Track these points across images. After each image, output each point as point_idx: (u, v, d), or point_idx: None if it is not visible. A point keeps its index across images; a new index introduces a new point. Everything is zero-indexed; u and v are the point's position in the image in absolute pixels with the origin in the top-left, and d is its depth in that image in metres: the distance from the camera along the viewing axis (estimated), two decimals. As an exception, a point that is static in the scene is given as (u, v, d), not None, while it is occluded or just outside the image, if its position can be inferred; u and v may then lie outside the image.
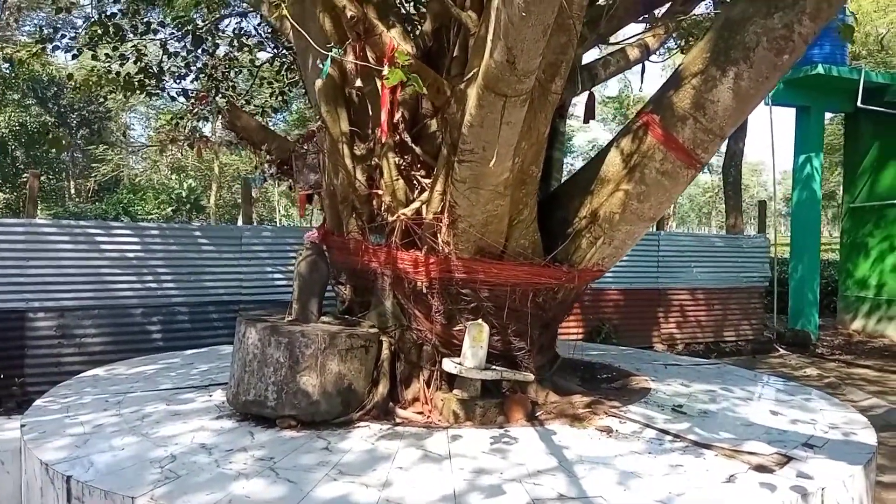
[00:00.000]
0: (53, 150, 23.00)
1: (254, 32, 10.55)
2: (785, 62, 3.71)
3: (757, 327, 11.30)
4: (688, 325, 10.66)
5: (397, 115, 4.32)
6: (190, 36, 9.28)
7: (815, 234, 12.10)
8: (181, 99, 10.45)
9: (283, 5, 4.57)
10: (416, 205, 4.31)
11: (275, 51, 10.50)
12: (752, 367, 8.42)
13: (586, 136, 43.49)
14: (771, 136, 11.58)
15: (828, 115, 15.27)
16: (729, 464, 3.41)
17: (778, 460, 3.47)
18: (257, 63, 10.46)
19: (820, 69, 10.91)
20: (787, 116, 12.69)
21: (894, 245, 12.27)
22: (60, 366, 6.86)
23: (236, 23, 10.76)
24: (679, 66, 4.10)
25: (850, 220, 13.29)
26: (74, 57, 9.06)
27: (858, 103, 11.32)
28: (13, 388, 6.72)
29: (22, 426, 3.93)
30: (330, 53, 3.32)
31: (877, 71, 13.17)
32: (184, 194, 28.46)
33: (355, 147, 4.62)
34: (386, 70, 3.77)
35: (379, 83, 4.22)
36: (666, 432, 3.89)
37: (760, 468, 3.36)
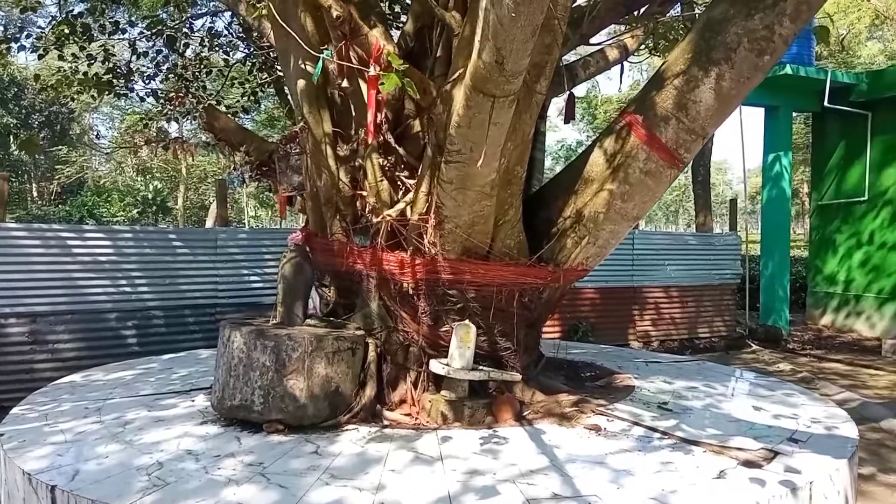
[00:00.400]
0: (17, 152, 22.47)
1: (225, 32, 10.42)
2: (766, 62, 3.76)
3: (730, 323, 11.48)
4: (662, 322, 10.78)
5: (381, 116, 4.30)
6: (160, 36, 9.13)
7: (784, 232, 12.33)
8: (150, 100, 10.31)
9: (261, 5, 4.53)
10: (400, 206, 4.29)
11: (247, 51, 10.39)
12: (726, 362, 8.55)
13: (555, 135, 43.83)
14: (741, 135, 11.78)
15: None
16: (718, 460, 3.45)
17: (765, 455, 3.52)
18: (230, 63, 10.33)
19: (788, 69, 11.11)
20: (752, 115, 12.90)
21: (861, 241, 12.55)
22: (33, 372, 6.71)
23: (207, 22, 10.62)
24: (661, 66, 4.14)
25: (819, 217, 13.57)
26: (40, 57, 8.86)
27: (825, 103, 11.56)
28: (-17, 396, 6.55)
29: (0, 435, 3.83)
30: (321, 55, 3.28)
31: (842, 71, 13.47)
32: (150, 196, 28.03)
33: (338, 148, 4.59)
34: (373, 70, 3.76)
35: (363, 84, 4.20)
36: (654, 430, 3.92)
37: (749, 464, 3.40)
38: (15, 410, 4.38)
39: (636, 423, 4.05)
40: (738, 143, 11.47)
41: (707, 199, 16.00)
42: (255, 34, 9.30)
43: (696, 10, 7.65)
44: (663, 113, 3.92)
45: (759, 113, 12.57)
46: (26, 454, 3.47)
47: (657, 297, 10.76)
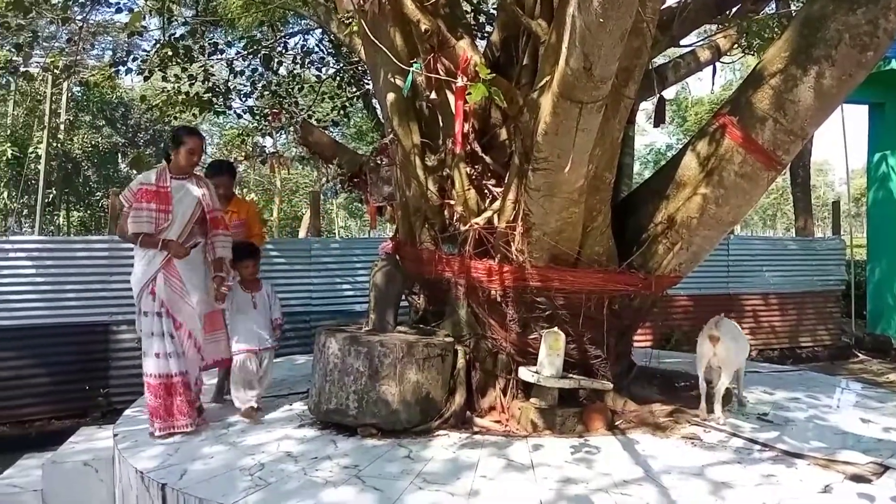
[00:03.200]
0: (126, 169, 23.85)
1: (316, 49, 10.78)
2: (869, 59, 3.60)
3: (834, 332, 10.89)
4: (761, 331, 10.34)
5: (468, 126, 4.35)
6: (256, 55, 9.53)
7: (893, 235, 11.60)
8: (247, 116, 10.76)
9: (352, 22, 4.68)
10: (488, 214, 4.32)
11: (337, 66, 10.70)
12: (831, 373, 8.13)
13: (643, 139, 42.84)
14: (843, 134, 11.21)
15: None
16: (823, 474, 3.31)
17: (874, 470, 3.35)
18: (321, 79, 10.66)
19: (894, 64, 10.50)
20: (854, 113, 12.24)
21: (979, 244, 11.67)
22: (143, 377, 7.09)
23: (300, 41, 11.01)
24: (757, 65, 4.02)
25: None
26: (145, 79, 9.41)
27: (936, 98, 10.86)
28: (98, 398, 6.98)
29: (115, 435, 4.09)
30: (411, 69, 3.36)
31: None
32: (249, 209, 29.11)
33: (427, 158, 4.68)
34: (460, 81, 3.82)
35: (451, 95, 4.27)
36: (754, 441, 3.79)
37: (857, 478, 3.25)
38: (128, 412, 4.67)
39: (735, 435, 3.93)
40: (840, 142, 10.94)
41: (807, 201, 15.26)
42: (345, 50, 9.57)
43: (792, 7, 7.38)
44: (760, 114, 3.81)
45: (862, 111, 11.93)
46: (139, 454, 3.70)
47: (755, 304, 10.34)
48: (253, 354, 4.42)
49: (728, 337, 4.19)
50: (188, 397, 4.09)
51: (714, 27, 5.69)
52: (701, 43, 5.43)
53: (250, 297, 4.52)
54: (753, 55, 6.52)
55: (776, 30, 5.70)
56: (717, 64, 5.39)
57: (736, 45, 5.66)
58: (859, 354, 10.46)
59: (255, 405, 4.38)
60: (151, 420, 4.03)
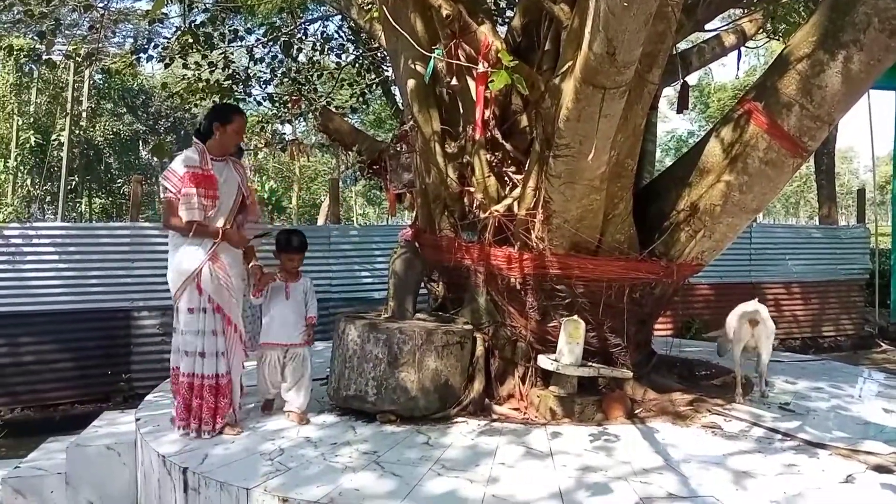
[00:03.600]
0: (147, 156, 24.01)
1: (336, 36, 10.75)
2: (899, 43, 3.52)
3: (858, 321, 10.76)
4: (783, 320, 10.23)
5: (488, 112, 4.32)
6: (276, 42, 9.53)
7: (919, 224, 11.45)
8: (266, 103, 10.78)
9: (372, 8, 4.65)
10: (508, 201, 4.30)
11: (356, 52, 10.67)
12: (854, 363, 8.03)
13: (665, 126, 42.38)
14: (869, 121, 11.02)
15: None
16: (845, 463, 3.27)
17: (899, 461, 3.30)
18: (340, 65, 10.64)
19: (923, 49, 10.27)
20: (881, 99, 12.02)
21: None
22: (164, 362, 7.12)
23: (319, 27, 10.99)
24: (783, 50, 3.95)
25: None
26: (166, 66, 9.45)
27: (966, 83, 10.62)
28: (120, 383, 7.08)
29: (137, 420, 4.13)
30: (433, 55, 3.34)
31: None
32: (265, 195, 29.24)
33: (447, 145, 4.65)
34: (482, 67, 3.79)
35: (471, 81, 4.24)
36: (776, 431, 3.76)
37: (880, 468, 3.21)
38: (149, 397, 4.72)
39: (756, 424, 3.89)
40: (866, 129, 10.73)
41: (831, 189, 15.04)
42: (364, 36, 9.53)
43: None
44: (786, 99, 3.75)
45: (889, 97, 11.72)
46: (161, 438, 3.74)
47: (777, 293, 10.23)
48: (277, 349, 4.06)
49: (766, 320, 4.34)
50: (233, 399, 3.83)
51: (739, 11, 5.59)
52: (726, 27, 5.35)
53: (283, 287, 4.12)
54: (779, 40, 6.41)
55: (803, 14, 5.60)
56: (742, 49, 5.30)
57: (761, 30, 5.57)
58: (882, 344, 10.33)
59: (271, 397, 4.18)
60: (187, 422, 3.72)
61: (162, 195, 3.72)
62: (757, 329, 4.33)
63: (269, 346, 4.08)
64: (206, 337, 3.73)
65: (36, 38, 7.98)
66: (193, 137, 3.83)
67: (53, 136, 19.03)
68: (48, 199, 21.07)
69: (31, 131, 18.41)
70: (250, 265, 4.03)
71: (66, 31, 11.75)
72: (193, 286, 3.69)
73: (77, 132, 19.98)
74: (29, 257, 6.75)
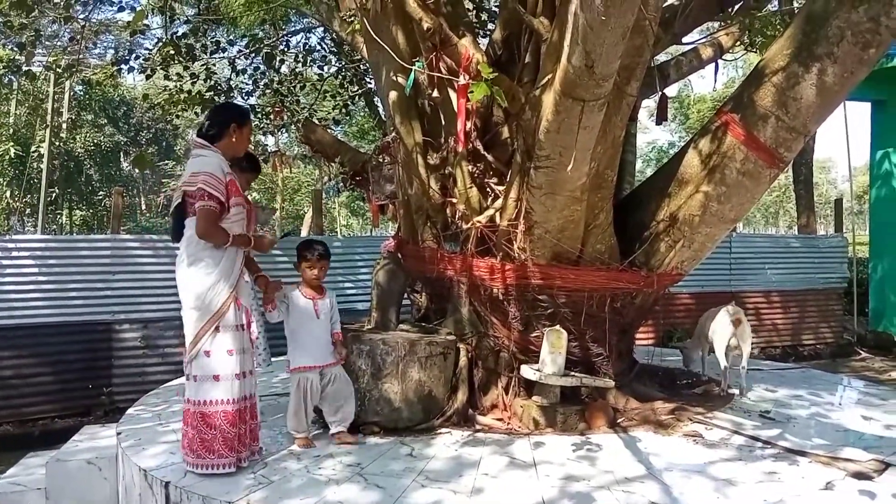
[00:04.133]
0: (128, 168, 23.85)
1: (318, 48, 10.78)
2: (871, 56, 3.60)
3: (836, 330, 10.89)
4: (763, 328, 10.34)
5: (470, 124, 4.35)
6: (258, 54, 9.53)
7: (895, 232, 11.60)
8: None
9: (354, 20, 4.68)
10: (490, 212, 4.33)
11: (339, 64, 10.70)
12: (833, 370, 8.12)
13: (645, 137, 42.74)
14: (846, 132, 11.19)
15: None
16: (825, 471, 3.31)
17: (876, 467, 3.35)
18: (323, 77, 10.66)
19: (896, 61, 10.47)
20: (857, 111, 12.21)
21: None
22: (145, 375, 7.12)
23: (301, 39, 11.01)
24: (759, 63, 4.02)
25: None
26: (148, 77, 9.41)
27: (939, 95, 10.83)
28: (101, 396, 7.00)
29: (118, 434, 4.10)
30: (414, 67, 3.36)
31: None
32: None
33: (429, 157, 4.67)
34: (463, 79, 3.82)
35: (453, 93, 4.27)
36: (756, 439, 3.80)
37: (859, 475, 3.26)
38: (130, 411, 4.68)
39: (736, 432, 3.93)
40: (843, 139, 10.85)
41: (810, 199, 15.21)
42: (347, 48, 9.56)
43: (795, 4, 7.37)
44: (762, 111, 3.81)
45: (865, 108, 11.91)
46: (142, 452, 3.71)
47: (757, 302, 10.33)
48: (316, 371, 3.74)
49: (746, 319, 4.78)
50: (257, 421, 3.56)
51: (716, 24, 5.68)
52: (703, 40, 5.43)
53: (312, 306, 3.81)
54: (756, 52, 6.51)
55: (778, 27, 5.69)
56: (720, 61, 5.38)
57: (738, 43, 5.66)
58: (861, 352, 10.46)
59: (310, 435, 3.79)
60: (238, 456, 3.33)
61: (198, 203, 3.26)
62: (740, 328, 4.67)
63: (307, 370, 3.73)
64: (245, 356, 3.40)
65: (15, 49, 7.91)
66: (197, 139, 3.46)
67: (33, 148, 18.86)
68: (28, 211, 20.86)
69: (11, 143, 18.24)
70: (255, 276, 3.77)
71: (47, 43, 11.69)
72: (234, 302, 3.35)
73: (57, 144, 19.81)
74: (8, 270, 6.67)
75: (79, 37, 8.93)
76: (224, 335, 3.31)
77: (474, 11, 8.04)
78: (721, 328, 4.72)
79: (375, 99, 12.40)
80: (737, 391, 4.79)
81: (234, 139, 3.45)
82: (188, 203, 3.36)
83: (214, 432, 3.27)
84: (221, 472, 3.27)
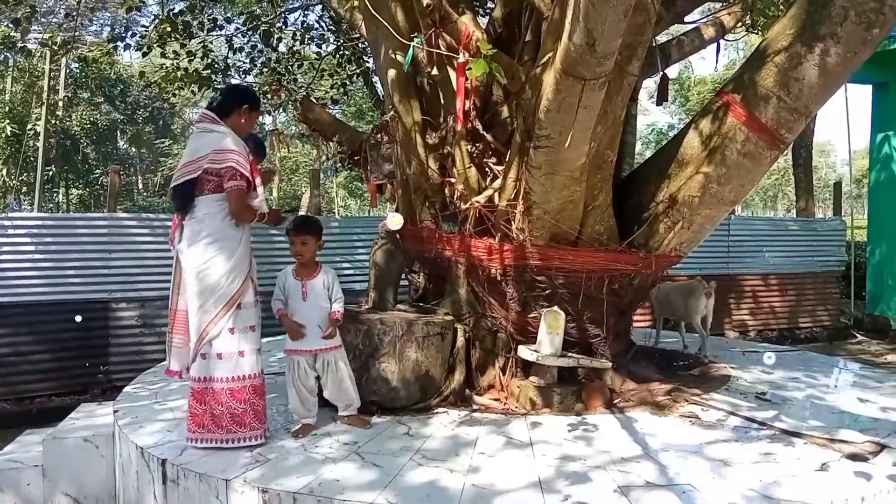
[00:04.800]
0: (125, 146, 23.74)
1: (316, 26, 10.66)
2: (875, 36, 3.56)
3: (834, 313, 10.91)
4: (760, 311, 10.36)
5: (469, 103, 4.31)
6: (256, 32, 9.43)
7: (893, 216, 11.59)
8: (247, 93, 10.64)
9: (353, -3, 4.62)
10: (488, 192, 4.31)
11: (337, 42, 10.60)
12: (829, 353, 8.15)
13: (645, 119, 42.59)
14: (846, 114, 11.13)
15: None
16: (821, 452, 3.32)
17: (872, 448, 3.36)
18: (321, 55, 10.56)
19: (899, 43, 10.40)
20: (858, 93, 12.15)
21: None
22: (142, 354, 7.11)
23: (299, 17, 10.89)
24: (761, 43, 3.98)
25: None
26: (144, 55, 9.32)
27: (941, 78, 10.77)
28: (98, 375, 7.00)
29: (115, 412, 4.10)
30: (412, 44, 3.32)
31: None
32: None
33: (427, 136, 4.64)
34: (462, 57, 3.78)
35: (452, 71, 4.23)
36: (752, 420, 3.81)
37: (854, 457, 3.26)
38: (127, 389, 4.68)
39: (733, 413, 3.94)
40: (843, 122, 10.83)
41: (809, 182, 15.20)
42: (345, 26, 9.47)
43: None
44: (763, 92, 3.78)
45: (865, 91, 11.85)
46: (139, 430, 3.71)
47: (755, 285, 10.35)
48: (303, 355, 3.64)
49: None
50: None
51: (718, 4, 5.62)
52: (705, 20, 5.38)
53: (300, 286, 3.66)
54: (758, 33, 6.45)
55: (781, 7, 5.64)
56: (722, 42, 5.33)
57: (740, 23, 5.61)
58: (858, 335, 10.50)
59: (309, 420, 3.68)
60: (251, 428, 3.38)
61: (230, 182, 3.26)
62: (709, 301, 5.36)
63: (295, 353, 3.66)
64: (258, 331, 3.47)
65: (10, 25, 7.83)
66: (208, 111, 3.43)
67: (29, 126, 18.75)
68: (24, 189, 20.78)
69: (6, 121, 18.13)
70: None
71: (42, 19, 11.58)
72: (250, 279, 3.44)
73: (53, 122, 19.69)
74: (5, 248, 6.64)
75: (74, 13, 8.82)
76: (247, 311, 3.40)
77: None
78: (697, 301, 5.31)
79: (374, 78, 12.30)
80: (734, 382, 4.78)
81: (242, 120, 3.49)
82: (206, 180, 3.33)
83: (244, 406, 3.36)
84: (254, 444, 3.38)
